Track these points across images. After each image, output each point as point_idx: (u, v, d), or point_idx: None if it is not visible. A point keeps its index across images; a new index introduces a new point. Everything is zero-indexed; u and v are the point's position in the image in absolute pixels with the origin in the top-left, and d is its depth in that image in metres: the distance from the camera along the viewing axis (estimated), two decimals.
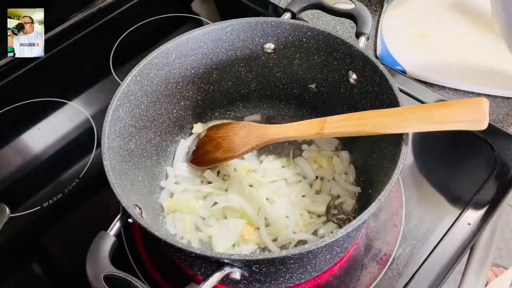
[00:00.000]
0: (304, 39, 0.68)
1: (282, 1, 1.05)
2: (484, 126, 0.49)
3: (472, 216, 0.68)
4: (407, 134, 0.54)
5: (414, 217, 0.69)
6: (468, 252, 0.70)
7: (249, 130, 0.68)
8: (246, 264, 0.48)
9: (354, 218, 0.67)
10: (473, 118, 0.49)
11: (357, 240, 0.67)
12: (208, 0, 1.11)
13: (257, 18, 0.68)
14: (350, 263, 0.66)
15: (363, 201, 0.69)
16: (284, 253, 0.46)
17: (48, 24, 0.94)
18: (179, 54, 0.67)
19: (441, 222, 0.69)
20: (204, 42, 0.68)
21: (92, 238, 0.49)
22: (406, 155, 0.53)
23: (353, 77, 0.66)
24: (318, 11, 0.92)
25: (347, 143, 0.75)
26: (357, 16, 0.69)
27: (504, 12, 0.58)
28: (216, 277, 0.47)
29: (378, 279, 0.64)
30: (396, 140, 0.55)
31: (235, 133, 0.69)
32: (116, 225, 0.51)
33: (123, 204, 0.50)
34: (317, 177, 0.73)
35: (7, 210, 0.61)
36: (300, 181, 0.72)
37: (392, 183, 0.50)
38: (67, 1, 0.98)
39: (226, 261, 0.47)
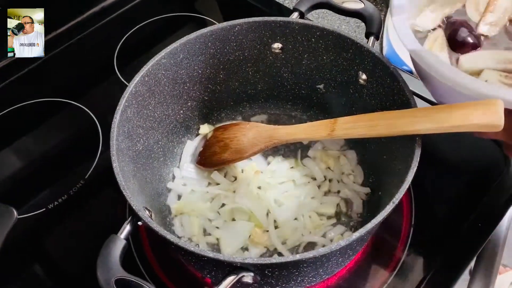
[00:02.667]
0: (313, 39, 0.68)
1: (286, 0, 1.04)
2: (499, 129, 0.47)
3: (483, 217, 0.68)
4: (419, 135, 0.53)
5: (423, 219, 0.69)
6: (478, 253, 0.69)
7: (258, 131, 0.67)
8: (260, 268, 0.48)
9: (363, 219, 0.68)
10: (488, 121, 0.47)
11: (367, 242, 0.66)
12: None
13: (265, 17, 0.67)
14: (359, 266, 0.66)
15: (372, 203, 0.68)
16: (298, 256, 0.45)
17: (52, 24, 0.94)
18: (186, 54, 0.66)
19: (451, 224, 0.69)
20: (212, 42, 0.67)
21: (99, 240, 0.49)
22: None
23: (362, 77, 0.66)
24: (323, 10, 0.92)
25: (355, 143, 0.74)
26: (367, 15, 0.68)
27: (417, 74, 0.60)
28: (229, 281, 0.46)
29: (388, 282, 0.64)
30: (409, 141, 0.54)
31: (243, 134, 0.68)
32: (126, 228, 0.50)
33: (134, 207, 0.50)
34: (325, 178, 0.72)
35: (15, 213, 0.60)
36: (308, 182, 0.71)
37: (406, 185, 0.50)
38: (70, 0, 0.97)
39: (239, 265, 0.47)
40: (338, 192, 0.70)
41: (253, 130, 0.68)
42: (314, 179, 0.72)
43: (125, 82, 0.87)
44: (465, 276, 0.67)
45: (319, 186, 0.71)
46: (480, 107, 0.48)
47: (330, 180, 0.72)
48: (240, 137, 0.68)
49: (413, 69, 0.86)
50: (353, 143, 0.74)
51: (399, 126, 0.53)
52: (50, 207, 0.73)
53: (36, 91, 0.89)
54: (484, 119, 0.47)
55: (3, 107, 0.87)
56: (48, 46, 0.85)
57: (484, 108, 0.47)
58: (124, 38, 0.97)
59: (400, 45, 0.90)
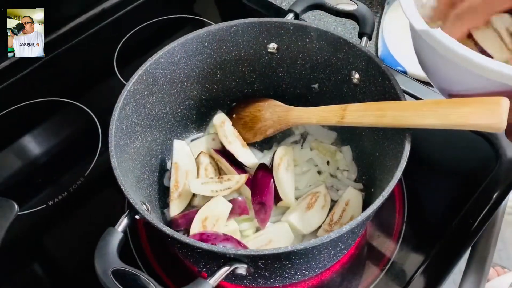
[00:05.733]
0: (307, 40, 0.69)
1: (283, 3, 1.06)
2: (500, 130, 0.47)
3: (474, 215, 0.69)
4: (410, 132, 0.55)
5: (415, 216, 0.70)
6: (469, 251, 0.70)
7: (274, 110, 0.71)
8: (252, 259, 0.49)
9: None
10: (489, 121, 0.47)
11: (359, 237, 0.67)
12: (210, 1, 1.12)
13: (261, 18, 0.69)
14: (352, 261, 0.67)
15: (365, 199, 0.69)
16: (290, 248, 0.47)
17: (53, 25, 0.95)
18: (184, 54, 0.68)
19: (442, 221, 0.70)
20: (209, 42, 0.69)
21: (98, 235, 0.50)
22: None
23: (356, 76, 0.67)
24: (319, 12, 0.93)
25: (348, 139, 0.75)
26: (360, 16, 0.70)
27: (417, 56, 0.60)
28: (223, 272, 0.48)
29: (380, 277, 0.65)
30: (399, 137, 0.56)
31: (261, 113, 0.72)
32: (123, 222, 0.51)
33: (131, 201, 0.51)
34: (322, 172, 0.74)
35: (16, 206, 0.61)
36: (309, 169, 0.74)
37: (395, 180, 0.51)
38: (71, 2, 0.99)
39: (232, 256, 0.48)
40: (332, 187, 0.72)
41: (270, 109, 0.71)
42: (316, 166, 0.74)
43: (124, 82, 0.87)
44: (455, 275, 0.68)
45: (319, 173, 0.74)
46: (483, 106, 0.47)
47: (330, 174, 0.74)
48: (258, 116, 0.72)
49: (407, 68, 0.88)
50: (346, 139, 0.76)
51: (406, 119, 0.54)
52: (50, 204, 0.75)
53: (37, 91, 0.91)
54: (486, 120, 0.47)
55: (5, 107, 0.89)
56: (49, 47, 0.87)
57: (487, 108, 0.47)
58: (124, 39, 0.99)
59: (395, 46, 0.92)
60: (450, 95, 0.55)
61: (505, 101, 0.46)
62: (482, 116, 0.47)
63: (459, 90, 0.52)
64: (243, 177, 0.67)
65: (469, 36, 0.63)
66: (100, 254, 0.48)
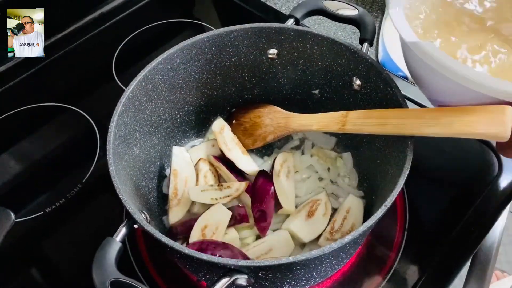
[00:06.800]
0: (308, 45, 0.69)
1: (283, 7, 1.05)
2: (505, 139, 0.46)
3: (476, 221, 0.68)
4: (412, 140, 0.54)
5: (417, 223, 0.70)
6: (471, 257, 0.70)
7: (274, 116, 0.70)
8: (253, 270, 0.48)
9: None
10: (495, 130, 0.46)
11: (361, 246, 0.67)
12: (210, 5, 1.11)
13: (261, 24, 0.68)
14: (354, 269, 0.66)
15: (366, 207, 0.69)
16: (291, 259, 0.46)
17: (51, 29, 0.95)
18: (183, 60, 0.67)
19: (444, 228, 0.69)
20: (209, 47, 0.68)
21: (95, 243, 0.49)
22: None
23: (357, 83, 0.67)
24: (320, 17, 0.93)
25: (349, 146, 0.75)
26: (361, 22, 0.69)
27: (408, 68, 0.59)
28: (223, 283, 0.47)
29: (382, 285, 0.64)
30: (401, 146, 0.55)
31: (261, 119, 0.72)
32: (122, 231, 0.51)
33: (129, 210, 0.50)
34: (322, 178, 0.73)
35: (12, 216, 0.60)
36: (310, 176, 0.73)
37: (398, 189, 0.50)
38: (70, 6, 0.99)
39: (232, 267, 0.47)
40: (332, 194, 0.71)
41: (270, 115, 0.71)
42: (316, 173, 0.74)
43: (123, 87, 0.88)
44: (458, 281, 0.68)
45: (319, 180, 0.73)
46: (488, 114, 0.46)
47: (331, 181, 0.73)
48: (258, 123, 0.72)
49: (407, 73, 0.87)
50: (346, 146, 0.75)
51: (408, 127, 0.53)
52: (47, 211, 0.74)
53: (35, 96, 0.90)
54: (490, 129, 0.46)
55: (2, 112, 0.88)
56: (47, 51, 0.85)
57: (492, 117, 0.46)
58: (123, 43, 0.98)
59: (395, 51, 0.91)
60: (441, 106, 0.54)
61: (510, 110, 0.45)
62: (487, 125, 0.46)
63: (450, 101, 0.51)
64: (243, 185, 0.66)
65: None
66: (98, 265, 0.47)
